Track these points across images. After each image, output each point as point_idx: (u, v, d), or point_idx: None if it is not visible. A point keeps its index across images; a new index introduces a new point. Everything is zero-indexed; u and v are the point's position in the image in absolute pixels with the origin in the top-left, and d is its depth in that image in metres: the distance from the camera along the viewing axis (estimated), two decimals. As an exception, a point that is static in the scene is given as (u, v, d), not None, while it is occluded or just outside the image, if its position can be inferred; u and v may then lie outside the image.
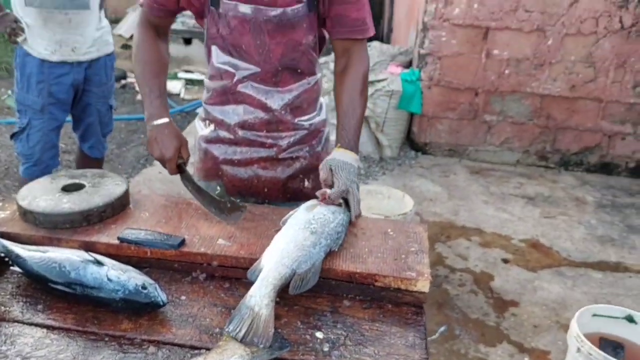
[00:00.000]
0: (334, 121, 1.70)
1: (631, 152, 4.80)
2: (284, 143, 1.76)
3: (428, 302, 2.84)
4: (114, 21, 8.01)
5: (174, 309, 1.23)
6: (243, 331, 1.09)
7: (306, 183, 1.83)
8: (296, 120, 1.75)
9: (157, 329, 1.18)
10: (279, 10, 1.56)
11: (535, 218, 3.98)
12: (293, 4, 1.57)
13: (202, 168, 1.86)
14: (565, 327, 2.22)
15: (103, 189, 1.53)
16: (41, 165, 3.00)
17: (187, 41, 7.30)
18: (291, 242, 1.30)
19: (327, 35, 1.76)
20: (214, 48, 1.67)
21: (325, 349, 1.15)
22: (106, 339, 1.15)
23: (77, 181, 1.56)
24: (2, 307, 1.22)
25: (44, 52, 2.89)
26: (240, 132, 1.74)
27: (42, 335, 1.15)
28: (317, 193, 1.51)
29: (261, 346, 1.08)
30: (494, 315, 2.89)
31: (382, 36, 8.18)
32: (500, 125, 4.87)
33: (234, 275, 1.35)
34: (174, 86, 6.99)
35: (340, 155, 1.56)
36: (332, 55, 1.79)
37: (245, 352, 1.07)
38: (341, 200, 1.53)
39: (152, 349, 1.13)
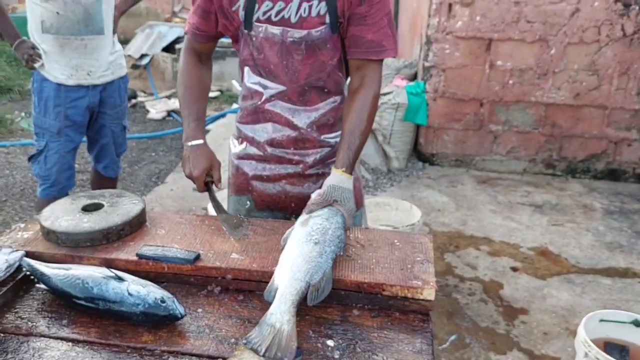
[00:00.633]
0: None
1: (638, 158, 4.83)
2: (310, 160, 1.82)
3: (438, 312, 2.90)
4: (123, 42, 8.07)
5: (191, 321, 1.29)
6: (264, 347, 1.13)
7: None
8: (322, 138, 1.80)
9: (176, 340, 1.23)
10: (304, 32, 1.63)
11: (543, 226, 4.01)
12: (317, 26, 1.64)
13: (234, 183, 1.94)
14: (575, 334, 2.25)
15: (121, 208, 1.60)
16: (58, 186, 3.07)
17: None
18: (299, 257, 1.34)
19: None
20: (246, 69, 1.76)
21: (336, 356, 1.19)
22: (128, 350, 1.20)
23: (96, 201, 1.63)
24: (29, 323, 1.27)
25: (60, 77, 2.97)
26: (269, 149, 1.81)
27: (68, 348, 1.20)
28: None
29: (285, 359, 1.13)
30: (504, 323, 2.93)
31: (388, 49, 8.27)
32: (506, 134, 4.93)
33: (248, 288, 1.41)
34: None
35: (339, 181, 1.59)
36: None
37: None
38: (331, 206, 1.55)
39: (171, 359, 1.17)
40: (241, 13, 1.65)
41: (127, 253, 1.46)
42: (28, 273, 1.37)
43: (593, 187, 4.76)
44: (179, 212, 3.25)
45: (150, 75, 7.69)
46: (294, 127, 1.77)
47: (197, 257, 1.43)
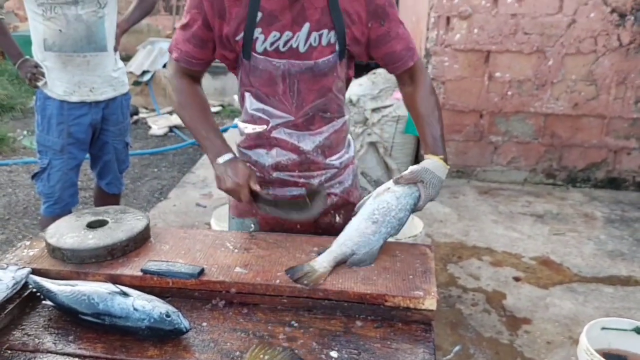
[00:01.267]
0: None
1: (638, 166, 4.85)
2: (315, 182, 1.82)
3: (442, 322, 2.91)
4: (125, 59, 8.13)
5: (196, 335, 1.30)
6: (297, 275, 1.42)
7: (337, 218, 1.89)
8: (327, 160, 1.82)
9: (182, 354, 1.24)
10: (312, 62, 1.64)
11: (545, 235, 4.02)
12: (327, 54, 1.65)
13: (236, 206, 1.91)
14: (578, 343, 2.27)
15: (125, 224, 1.62)
16: (61, 203, 3.09)
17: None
18: (355, 231, 1.53)
19: (351, 75, 1.83)
20: (247, 94, 1.74)
21: (340, 367, 1.21)
22: (134, 365, 1.21)
23: (100, 218, 1.65)
24: (36, 339, 1.29)
25: (63, 94, 3.00)
26: (274, 174, 1.80)
27: (74, 364, 1.21)
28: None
29: (307, 288, 1.40)
30: (507, 333, 2.93)
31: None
32: (506, 145, 4.95)
33: (252, 301, 1.43)
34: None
35: (435, 167, 1.61)
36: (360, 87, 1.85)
37: None
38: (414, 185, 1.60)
39: (177, 373, 1.20)
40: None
41: (132, 269, 1.48)
42: (34, 290, 1.38)
43: (594, 196, 4.77)
44: (182, 227, 3.27)
45: (152, 91, 7.74)
46: (299, 151, 1.76)
47: (202, 272, 1.45)
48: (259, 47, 1.62)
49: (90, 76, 3.03)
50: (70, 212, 2.92)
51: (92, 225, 1.61)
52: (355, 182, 1.95)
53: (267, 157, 1.79)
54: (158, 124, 7.04)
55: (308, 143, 1.76)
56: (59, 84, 2.99)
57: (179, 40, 1.70)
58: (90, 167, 3.48)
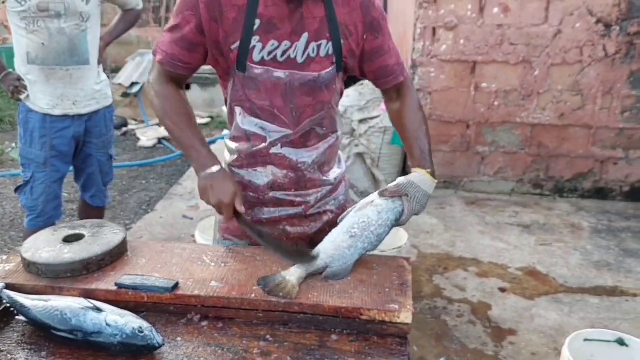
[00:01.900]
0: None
1: (624, 176, 4.88)
2: (311, 199, 1.79)
3: (427, 334, 2.91)
4: (114, 70, 8.20)
5: (170, 350, 1.29)
6: (269, 287, 1.43)
7: None
8: (323, 177, 1.79)
9: (154, 370, 1.23)
10: (315, 75, 1.62)
11: (532, 246, 4.03)
12: (327, 66, 1.63)
13: (228, 228, 1.84)
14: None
15: (102, 238, 1.61)
16: (45, 216, 3.08)
17: (187, 86, 7.46)
18: (331, 243, 1.53)
19: (342, 89, 1.80)
20: (238, 109, 1.68)
21: (313, 381, 1.21)
22: (106, 381, 1.21)
23: (77, 232, 1.63)
24: (9, 355, 1.28)
25: (46, 107, 3.00)
26: (270, 193, 1.75)
27: (46, 380, 1.20)
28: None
29: (282, 301, 1.39)
30: (492, 344, 2.93)
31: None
32: (493, 155, 4.97)
33: (227, 316, 1.42)
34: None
35: (421, 181, 1.60)
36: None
37: None
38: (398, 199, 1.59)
39: (149, 389, 1.19)
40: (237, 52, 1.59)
41: (106, 283, 1.47)
42: (8, 305, 1.37)
43: (581, 206, 4.79)
44: (160, 241, 3.25)
45: (140, 103, 7.73)
46: (297, 168, 1.72)
47: (176, 286, 1.44)
48: (256, 56, 1.58)
49: (73, 89, 3.02)
50: (54, 224, 2.90)
51: (68, 240, 1.60)
52: (348, 197, 1.94)
53: (262, 176, 1.74)
54: (147, 136, 7.03)
55: (305, 159, 1.73)
56: (42, 97, 2.99)
57: (165, 42, 1.63)
58: (74, 179, 3.47)
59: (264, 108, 1.65)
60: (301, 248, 1.50)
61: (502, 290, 3.45)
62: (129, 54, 8.19)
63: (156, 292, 1.42)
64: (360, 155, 4.78)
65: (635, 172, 4.87)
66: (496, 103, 4.80)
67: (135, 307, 1.40)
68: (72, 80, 3.01)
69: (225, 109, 1.79)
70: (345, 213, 1.60)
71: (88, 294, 1.42)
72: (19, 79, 2.98)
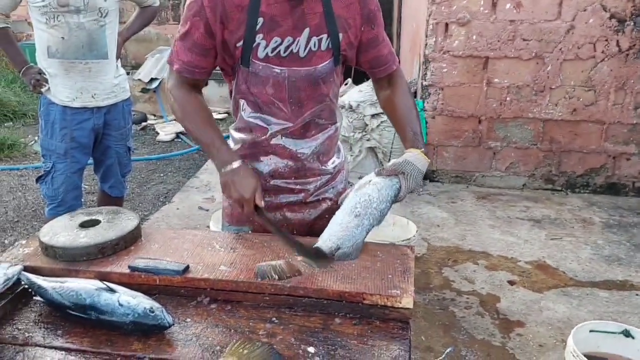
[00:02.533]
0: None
1: (637, 172, 4.87)
2: (311, 187, 1.86)
3: (434, 325, 2.95)
4: (134, 67, 8.31)
5: (179, 330, 1.35)
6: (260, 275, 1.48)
7: None
8: (322, 167, 1.86)
9: (164, 348, 1.29)
10: (312, 68, 1.68)
11: (542, 240, 4.05)
12: (325, 59, 1.69)
13: (231, 214, 1.91)
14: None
15: (117, 224, 1.67)
16: (65, 205, 3.16)
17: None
18: (338, 225, 1.51)
19: (341, 80, 1.87)
20: (242, 102, 1.75)
21: (316, 362, 1.25)
22: (118, 358, 1.25)
23: (93, 217, 1.71)
24: (26, 333, 1.34)
25: (65, 100, 3.08)
26: (271, 181, 1.82)
27: (62, 357, 1.26)
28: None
29: (288, 285, 1.45)
30: (500, 335, 2.96)
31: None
32: (505, 150, 4.99)
33: (235, 299, 1.47)
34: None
35: (416, 160, 1.63)
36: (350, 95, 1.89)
37: None
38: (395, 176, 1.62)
39: (160, 366, 1.24)
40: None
41: (120, 266, 1.53)
42: (26, 286, 1.44)
43: (592, 202, 4.79)
44: (173, 228, 3.33)
45: (159, 98, 7.83)
46: (296, 159, 1.79)
47: (187, 269, 1.50)
48: (260, 53, 1.63)
49: (92, 82, 3.10)
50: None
51: (84, 225, 1.67)
52: (347, 186, 1.99)
53: (264, 165, 1.81)
54: (165, 131, 7.13)
55: (305, 150, 1.79)
56: (62, 89, 3.07)
57: (179, 50, 1.68)
58: (93, 171, 3.56)
59: (266, 102, 1.71)
60: (318, 248, 1.54)
61: (511, 283, 3.47)
62: (148, 51, 8.29)
63: (167, 275, 1.48)
64: (371, 149, 4.82)
65: (649, 167, 4.86)
66: (508, 98, 4.81)
67: (147, 290, 1.46)
68: (91, 74, 3.09)
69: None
70: (344, 194, 1.62)
71: (103, 277, 1.48)
72: (40, 72, 3.06)
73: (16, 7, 3.09)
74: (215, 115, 7.15)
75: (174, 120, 7.57)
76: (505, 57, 4.70)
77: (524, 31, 4.61)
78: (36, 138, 6.53)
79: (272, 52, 1.64)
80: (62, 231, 1.63)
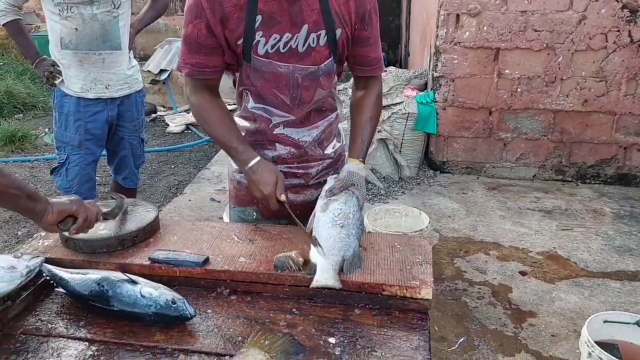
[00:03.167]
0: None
1: (648, 162, 4.86)
2: (313, 171, 1.92)
3: (447, 315, 2.96)
4: (144, 58, 8.32)
5: (201, 321, 1.36)
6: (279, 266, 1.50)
7: None
8: (323, 152, 1.91)
9: (186, 339, 1.30)
10: (314, 68, 1.71)
11: (553, 231, 4.05)
12: (325, 56, 1.72)
13: (236, 196, 1.98)
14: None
15: (136, 216, 1.69)
16: (79, 197, 3.17)
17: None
18: (330, 239, 1.51)
19: (341, 70, 1.90)
20: (246, 93, 1.79)
21: (337, 352, 1.26)
22: (141, 349, 1.27)
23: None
24: (49, 324, 1.36)
25: (79, 91, 3.09)
26: (276, 166, 1.86)
27: (84, 347, 1.28)
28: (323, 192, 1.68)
29: (308, 277, 1.44)
30: (512, 325, 2.97)
31: (400, 60, 8.35)
32: (515, 141, 4.97)
33: (255, 290, 1.49)
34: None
35: (356, 168, 1.73)
36: (350, 81, 1.93)
37: (265, 357, 1.18)
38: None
39: (182, 357, 1.25)
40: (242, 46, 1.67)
41: (141, 258, 1.55)
42: (48, 278, 1.46)
43: (603, 192, 4.78)
44: (190, 220, 3.34)
45: (169, 89, 7.85)
46: (298, 146, 1.85)
47: (206, 261, 1.51)
48: (260, 49, 1.67)
49: (106, 74, 3.11)
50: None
51: (104, 217, 1.68)
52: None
53: (268, 151, 1.86)
54: (175, 122, 7.15)
55: (306, 137, 1.85)
56: (76, 81, 3.08)
57: (185, 55, 1.71)
58: (107, 162, 3.58)
59: (269, 95, 1.76)
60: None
61: (523, 273, 3.47)
62: (156, 42, 8.30)
63: (187, 266, 1.50)
64: (383, 140, 4.82)
65: (660, 158, 4.84)
66: (519, 90, 4.79)
67: (167, 281, 1.48)
68: (105, 65, 3.09)
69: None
70: (309, 223, 1.64)
71: (123, 268, 1.50)
72: (54, 64, 3.07)
73: None
74: (228, 107, 7.15)
75: (184, 111, 7.58)
76: (517, 48, 4.67)
77: (535, 22, 4.58)
78: (47, 130, 6.58)
79: (271, 49, 1.67)
80: (82, 223, 1.64)
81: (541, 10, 4.56)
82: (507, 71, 4.76)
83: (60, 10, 2.95)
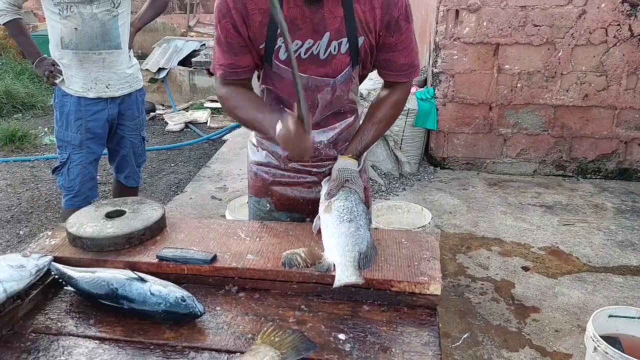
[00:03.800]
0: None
1: (649, 157, 4.87)
2: (326, 170, 1.91)
3: (450, 311, 2.96)
4: (141, 57, 8.32)
5: (210, 319, 1.36)
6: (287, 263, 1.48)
7: None
8: (337, 152, 1.90)
9: (196, 336, 1.30)
10: (331, 80, 1.71)
11: (554, 226, 4.05)
12: (345, 63, 1.71)
13: (253, 186, 2.01)
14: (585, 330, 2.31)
15: (142, 214, 1.68)
16: (81, 196, 3.17)
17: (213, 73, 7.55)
18: (341, 236, 1.51)
19: (366, 71, 1.87)
20: (267, 91, 1.81)
21: (347, 348, 1.26)
22: (151, 347, 1.27)
23: (118, 208, 1.72)
24: (59, 323, 1.36)
25: (80, 90, 3.08)
26: (290, 163, 1.90)
27: (95, 346, 1.27)
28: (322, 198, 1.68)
29: (316, 273, 1.44)
30: (516, 321, 2.98)
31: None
32: (516, 137, 4.98)
33: (263, 287, 1.48)
34: (200, 115, 7.25)
35: (345, 164, 1.74)
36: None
37: (276, 354, 1.18)
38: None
39: (192, 354, 1.25)
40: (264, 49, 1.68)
41: (148, 256, 1.55)
42: (56, 277, 1.46)
43: (604, 187, 4.79)
44: (196, 218, 3.34)
45: (168, 88, 7.84)
46: (314, 147, 1.81)
47: (214, 258, 1.51)
48: (282, 55, 1.67)
49: (106, 73, 3.11)
50: (90, 204, 3.00)
51: (110, 216, 1.68)
52: (363, 166, 2.01)
53: (282, 149, 1.85)
54: (174, 120, 7.15)
55: (322, 138, 1.85)
56: (77, 80, 3.07)
57: (218, 56, 1.72)
58: (108, 161, 3.57)
59: (287, 98, 1.75)
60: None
61: (525, 269, 3.48)
62: (155, 41, 8.29)
63: (195, 264, 1.50)
64: (383, 137, 4.82)
65: (660, 153, 4.85)
66: (519, 85, 4.79)
67: (176, 279, 1.47)
68: (105, 64, 3.09)
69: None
70: (314, 225, 1.66)
71: (131, 266, 1.49)
72: (54, 63, 3.06)
73: None
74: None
75: (183, 110, 7.58)
76: (516, 43, 4.68)
77: (535, 17, 4.59)
78: (46, 129, 6.57)
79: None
80: (89, 222, 1.64)
81: (541, 4, 4.56)
82: (507, 66, 4.76)
83: (60, 10, 2.94)
